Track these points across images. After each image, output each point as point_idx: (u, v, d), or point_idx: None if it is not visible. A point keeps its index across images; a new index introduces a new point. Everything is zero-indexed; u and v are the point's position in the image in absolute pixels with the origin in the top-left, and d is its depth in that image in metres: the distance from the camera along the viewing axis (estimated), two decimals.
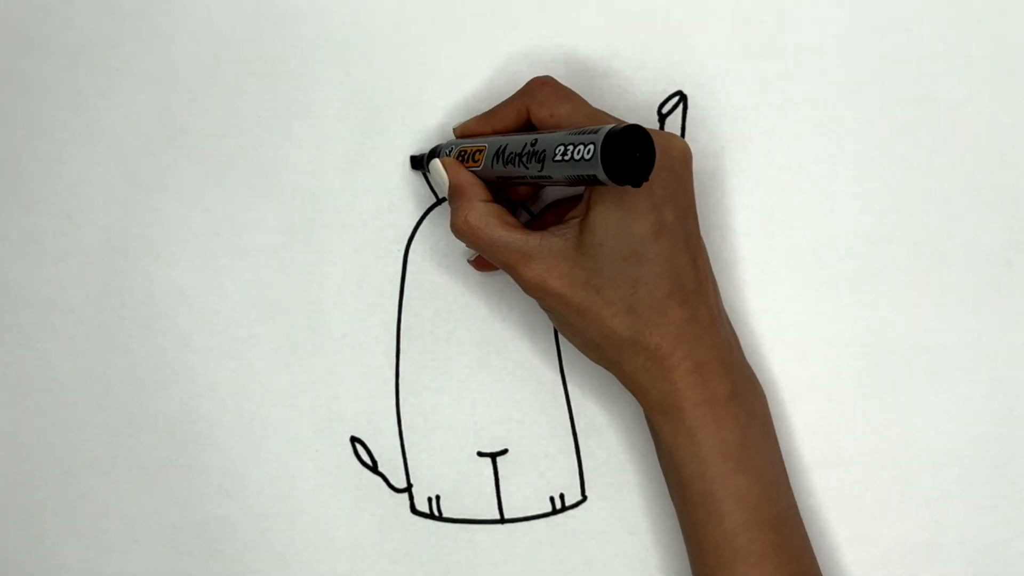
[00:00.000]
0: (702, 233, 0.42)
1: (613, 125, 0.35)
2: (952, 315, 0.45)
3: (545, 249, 0.39)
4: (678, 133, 0.46)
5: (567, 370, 0.47)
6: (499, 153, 0.40)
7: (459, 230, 0.41)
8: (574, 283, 0.39)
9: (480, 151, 0.41)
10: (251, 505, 0.49)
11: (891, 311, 0.46)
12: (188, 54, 0.47)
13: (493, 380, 0.47)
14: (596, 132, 0.35)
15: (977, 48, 0.45)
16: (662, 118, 0.46)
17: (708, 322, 0.40)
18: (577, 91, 0.45)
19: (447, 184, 0.42)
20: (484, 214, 0.40)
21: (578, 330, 0.40)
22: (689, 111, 0.46)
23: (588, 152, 0.34)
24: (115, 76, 0.48)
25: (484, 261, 0.45)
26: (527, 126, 0.42)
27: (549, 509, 0.48)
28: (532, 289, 0.40)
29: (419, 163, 0.46)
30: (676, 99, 0.46)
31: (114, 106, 0.48)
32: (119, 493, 0.49)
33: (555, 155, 0.36)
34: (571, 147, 0.35)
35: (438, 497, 0.48)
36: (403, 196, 0.47)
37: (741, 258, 0.46)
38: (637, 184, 0.34)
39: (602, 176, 0.34)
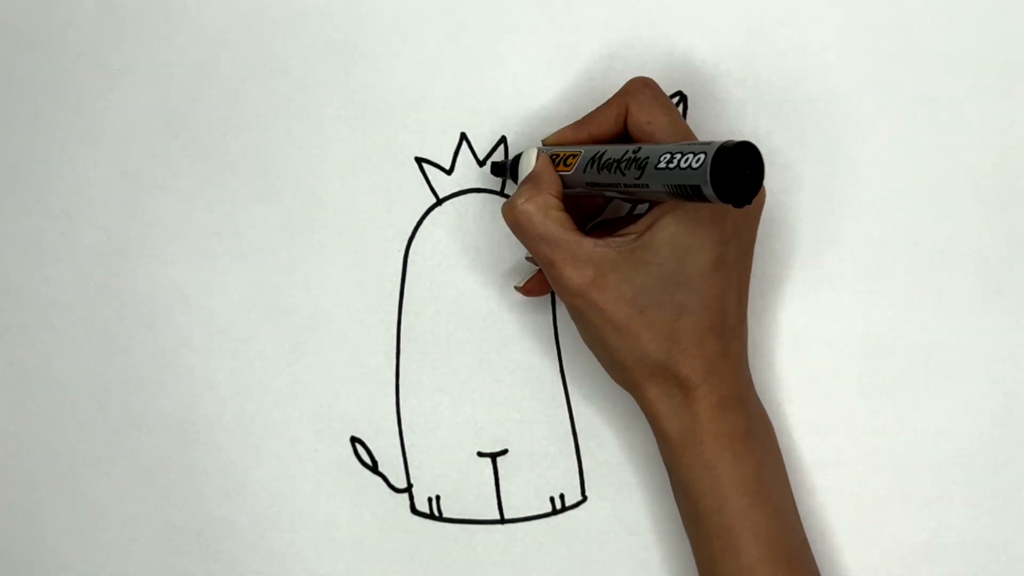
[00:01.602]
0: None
1: (727, 140, 0.33)
2: (952, 315, 0.45)
3: (597, 256, 0.38)
4: None
5: (567, 370, 0.47)
6: (595, 159, 0.39)
7: (513, 212, 0.39)
8: (620, 298, 0.38)
9: (574, 156, 0.40)
10: (251, 505, 0.49)
11: (891, 311, 0.46)
12: (188, 54, 0.47)
13: (493, 380, 0.47)
14: (709, 144, 0.33)
15: (977, 48, 0.45)
16: None
17: (737, 360, 0.40)
18: (577, 91, 0.46)
19: (527, 171, 0.41)
20: (546, 204, 0.39)
21: (609, 347, 0.39)
22: (689, 111, 0.46)
23: (697, 161, 0.33)
24: (115, 76, 0.48)
25: (532, 285, 0.44)
26: (623, 135, 0.41)
27: (549, 509, 0.48)
28: (572, 294, 0.39)
29: (500, 169, 0.45)
30: (676, 99, 0.46)
31: (114, 106, 0.48)
32: (119, 493, 0.49)
33: (659, 162, 0.35)
34: (679, 156, 0.34)
35: (438, 497, 0.48)
36: (403, 196, 0.47)
37: None
38: (739, 204, 0.33)
39: (707, 189, 0.33)
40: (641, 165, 0.36)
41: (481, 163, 0.46)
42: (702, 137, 0.45)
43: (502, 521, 0.48)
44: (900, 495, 0.46)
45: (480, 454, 0.48)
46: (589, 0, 0.45)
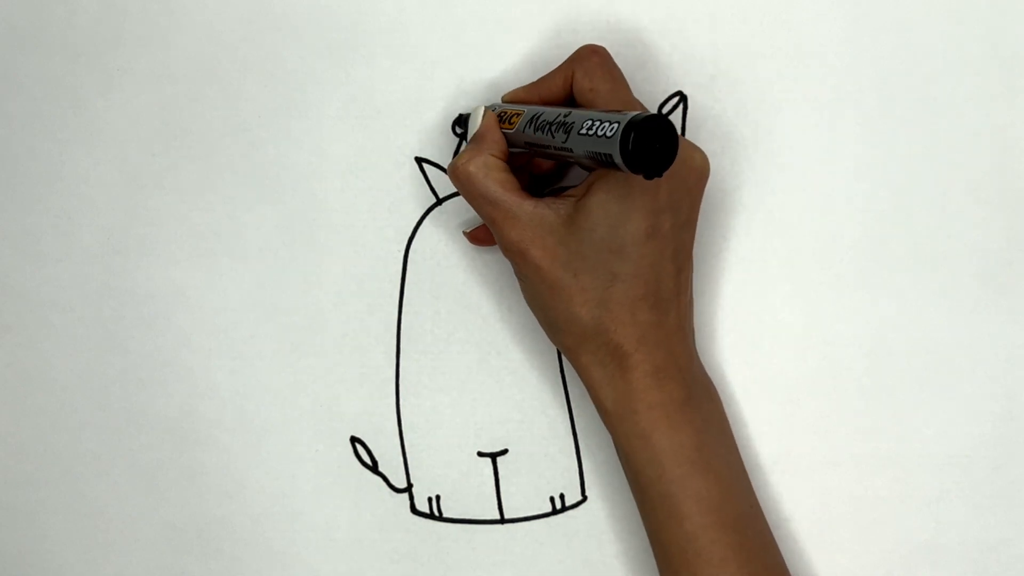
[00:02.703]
0: (698, 240, 0.42)
1: (633, 115, 0.34)
2: (952, 315, 0.45)
3: (536, 217, 0.39)
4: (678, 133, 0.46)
5: (567, 370, 0.47)
6: (533, 119, 0.40)
7: (455, 172, 0.41)
8: (555, 259, 0.39)
9: (518, 115, 0.41)
10: (251, 505, 0.49)
11: (891, 311, 0.46)
12: (188, 54, 0.47)
13: (493, 380, 0.47)
14: (624, 114, 0.34)
15: (977, 48, 0.45)
16: None
17: (674, 329, 0.40)
18: None
19: (474, 130, 0.42)
20: (486, 165, 0.40)
21: (545, 306, 0.40)
22: (689, 111, 0.46)
23: (611, 130, 0.34)
24: (115, 76, 0.48)
25: (478, 234, 0.45)
26: (570, 100, 0.42)
27: (549, 509, 0.48)
28: (511, 252, 0.40)
29: (462, 121, 0.46)
30: (676, 99, 0.46)
31: (114, 106, 0.48)
32: (119, 493, 0.49)
33: (581, 128, 0.36)
34: (597, 123, 0.35)
35: (438, 497, 0.48)
36: (403, 196, 0.47)
37: (741, 258, 0.46)
38: (649, 176, 0.34)
39: (617, 158, 0.34)
40: (567, 129, 0.37)
41: None
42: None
43: (502, 521, 0.48)
44: (900, 495, 0.46)
45: (480, 454, 0.48)
46: (589, 1, 0.45)
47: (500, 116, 0.42)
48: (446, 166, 0.46)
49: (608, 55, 0.41)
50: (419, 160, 0.47)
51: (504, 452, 0.48)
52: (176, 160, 0.48)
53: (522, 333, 0.47)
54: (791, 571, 0.45)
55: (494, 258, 0.47)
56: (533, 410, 0.47)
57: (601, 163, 0.35)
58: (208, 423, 0.48)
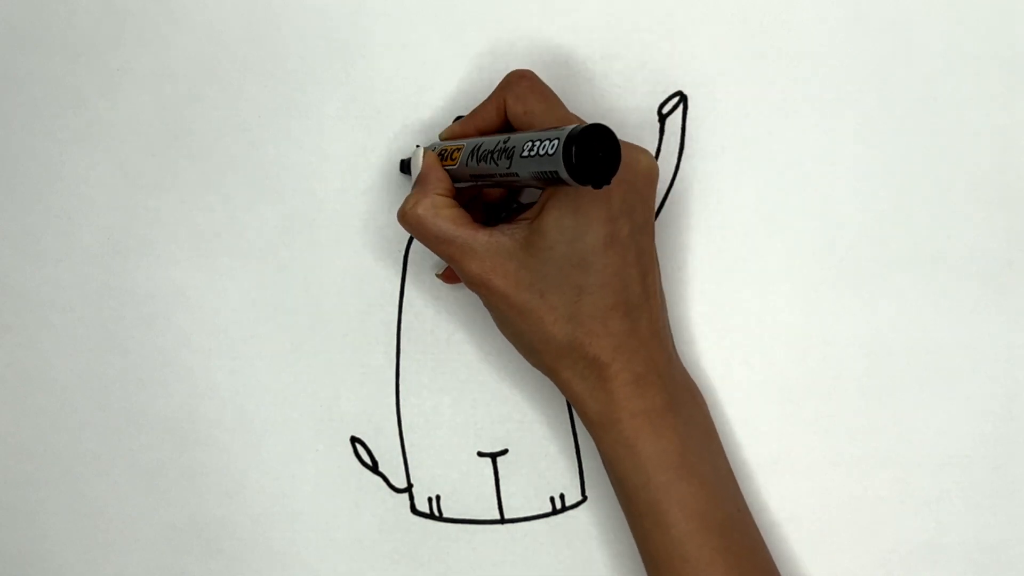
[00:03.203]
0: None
1: (571, 127, 0.34)
2: (952, 315, 0.45)
3: (493, 246, 0.39)
4: (678, 133, 0.46)
5: None
6: (474, 151, 0.39)
7: (404, 218, 0.41)
8: (519, 284, 0.39)
9: (458, 150, 0.41)
10: (251, 505, 0.49)
11: (891, 311, 0.46)
12: (188, 54, 0.47)
13: (493, 380, 0.47)
14: (562, 129, 0.34)
15: (977, 48, 0.45)
16: (662, 118, 0.46)
17: (649, 335, 0.40)
18: (577, 91, 0.46)
19: (415, 173, 0.42)
20: (433, 205, 0.40)
21: (518, 331, 0.40)
22: (689, 111, 0.46)
23: (552, 147, 0.34)
24: (115, 76, 0.48)
25: (451, 273, 0.45)
26: (506, 127, 0.42)
27: (549, 509, 0.48)
28: (475, 285, 0.40)
29: (406, 166, 0.46)
30: (676, 99, 0.46)
31: (114, 106, 0.48)
32: (119, 493, 0.49)
33: (523, 151, 0.36)
34: (537, 143, 0.35)
35: (438, 497, 0.48)
36: (403, 196, 0.47)
37: (741, 258, 0.46)
38: (598, 185, 0.33)
39: (563, 173, 0.33)
40: (509, 155, 0.37)
41: None
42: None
43: (502, 521, 0.48)
44: (900, 495, 0.46)
45: (480, 454, 0.48)
46: (589, 0, 0.45)
47: (441, 154, 0.42)
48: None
49: (536, 77, 0.41)
50: None
51: (504, 452, 0.48)
52: (176, 160, 0.48)
53: None
54: (791, 571, 0.45)
55: None
56: (533, 410, 0.47)
57: (549, 181, 0.35)
58: (208, 423, 0.48)
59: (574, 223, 0.38)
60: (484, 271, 0.39)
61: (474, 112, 0.43)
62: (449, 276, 0.45)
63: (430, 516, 0.48)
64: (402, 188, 0.47)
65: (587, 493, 0.47)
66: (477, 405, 0.47)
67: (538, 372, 0.47)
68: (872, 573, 0.46)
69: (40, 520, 0.50)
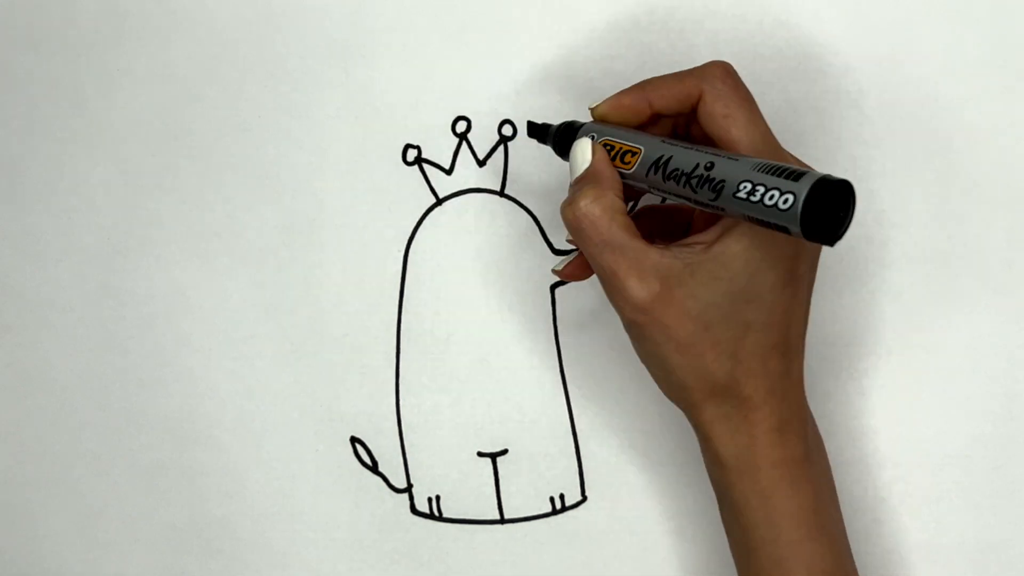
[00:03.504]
0: None
1: (817, 175, 0.30)
2: (952, 315, 0.45)
3: (663, 268, 0.35)
4: None
5: (567, 370, 0.47)
6: (659, 163, 0.35)
7: (577, 213, 0.36)
8: (685, 314, 0.35)
9: (633, 153, 0.36)
10: (251, 505, 0.49)
11: (891, 311, 0.46)
12: (188, 54, 0.47)
13: (493, 380, 0.47)
14: (797, 180, 0.30)
15: (977, 48, 0.45)
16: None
17: (798, 378, 0.38)
18: (577, 91, 0.46)
19: (583, 166, 0.38)
20: (612, 208, 0.36)
21: (670, 365, 0.36)
22: None
23: (785, 202, 0.30)
24: (115, 76, 0.48)
25: (573, 268, 0.41)
26: (687, 115, 0.37)
27: (549, 509, 0.48)
28: (635, 309, 0.35)
29: (539, 131, 0.42)
30: None
31: (114, 106, 0.48)
32: (119, 493, 0.49)
33: (738, 190, 0.32)
34: (761, 189, 0.31)
35: (438, 497, 0.48)
36: (403, 196, 0.47)
37: None
38: (831, 243, 0.30)
39: (795, 230, 0.30)
40: (716, 188, 0.33)
41: (481, 163, 0.46)
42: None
43: (502, 521, 0.48)
44: (900, 495, 0.46)
45: (480, 454, 0.48)
46: (589, 0, 0.45)
47: (607, 148, 0.37)
48: (446, 166, 0.46)
49: (738, 75, 0.37)
50: (419, 160, 0.47)
51: (504, 452, 0.48)
52: (176, 160, 0.48)
53: (522, 333, 0.47)
54: None
55: (494, 258, 0.47)
56: (533, 410, 0.47)
57: (761, 223, 0.31)
58: (208, 423, 0.48)
59: (761, 256, 0.34)
60: (649, 294, 0.35)
61: (653, 85, 0.37)
62: (572, 272, 0.41)
63: (430, 516, 0.48)
64: (402, 188, 0.47)
65: (587, 493, 0.47)
66: (477, 405, 0.47)
67: (538, 372, 0.47)
68: (872, 573, 0.46)
69: (40, 520, 0.50)
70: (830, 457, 0.46)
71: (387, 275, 0.47)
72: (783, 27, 0.45)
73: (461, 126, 0.46)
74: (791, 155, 0.37)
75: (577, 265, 0.40)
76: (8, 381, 0.49)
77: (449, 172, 0.47)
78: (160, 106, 0.47)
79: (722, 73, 0.37)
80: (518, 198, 0.47)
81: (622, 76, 0.45)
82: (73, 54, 0.48)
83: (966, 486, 0.46)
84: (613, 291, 0.36)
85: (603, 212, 0.36)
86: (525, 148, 0.46)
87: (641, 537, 0.47)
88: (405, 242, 0.47)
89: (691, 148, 0.35)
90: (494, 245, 0.47)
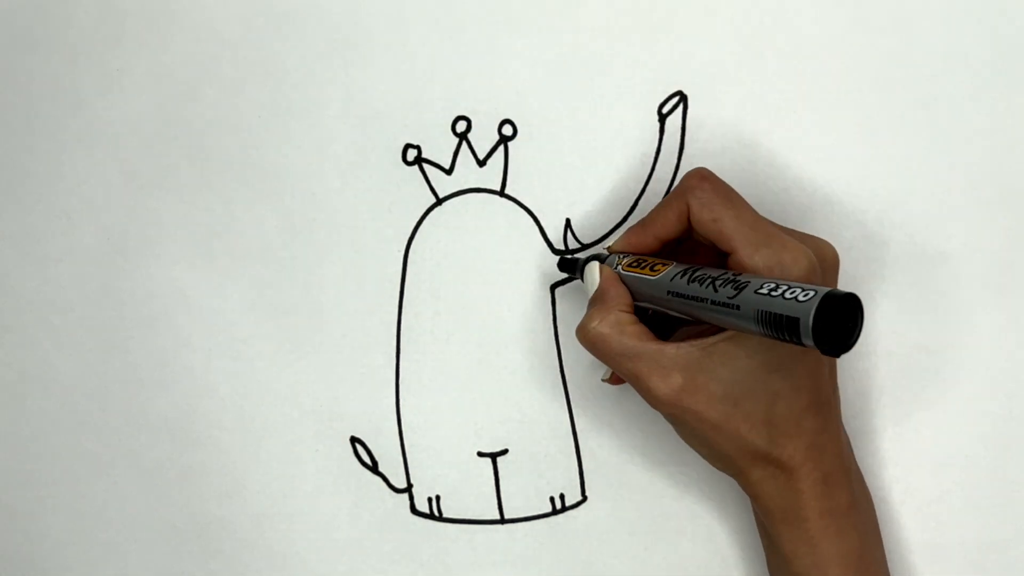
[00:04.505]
0: None
1: (828, 291, 0.32)
2: (952, 315, 0.45)
3: (681, 359, 0.37)
4: (678, 133, 0.46)
5: (567, 370, 0.47)
6: (687, 271, 0.38)
7: (587, 335, 0.40)
8: (711, 398, 0.37)
9: (665, 264, 0.39)
10: (251, 505, 0.49)
11: (891, 311, 0.46)
12: (188, 54, 0.47)
13: (493, 380, 0.47)
14: (806, 302, 0.32)
15: (977, 48, 0.45)
16: (662, 118, 0.46)
17: (835, 430, 0.40)
18: (577, 92, 0.46)
19: (592, 288, 0.41)
20: (618, 322, 0.39)
21: (710, 443, 0.39)
22: (689, 111, 0.46)
23: (805, 296, 0.32)
24: (115, 76, 0.48)
25: (614, 377, 0.43)
26: (687, 233, 0.40)
27: (549, 509, 0.48)
28: (663, 404, 0.38)
29: (569, 266, 0.45)
30: (676, 99, 0.46)
31: (114, 106, 0.48)
32: (119, 493, 0.49)
33: (760, 287, 0.34)
34: (785, 287, 0.33)
35: (438, 497, 0.48)
36: (403, 196, 0.47)
37: None
38: (838, 354, 0.32)
39: (806, 320, 0.31)
40: (739, 287, 0.35)
41: (481, 163, 0.46)
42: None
43: (502, 521, 0.48)
44: (900, 495, 0.46)
45: (480, 454, 0.48)
46: (589, 1, 0.45)
47: (639, 263, 0.40)
48: (446, 166, 0.46)
49: (716, 178, 0.40)
50: (419, 160, 0.47)
51: (504, 452, 0.48)
52: (176, 160, 0.48)
53: (522, 333, 0.47)
54: None
55: (494, 258, 0.47)
56: (533, 410, 0.47)
57: (771, 327, 0.33)
58: (208, 423, 0.48)
59: None
60: (673, 388, 0.37)
61: (651, 219, 0.41)
62: (617, 379, 0.44)
63: (430, 516, 0.48)
64: (402, 188, 0.47)
65: (587, 493, 0.47)
66: (477, 405, 0.47)
67: (538, 372, 0.47)
68: None
69: (40, 520, 0.50)
70: None
71: (387, 275, 0.47)
72: (783, 27, 0.45)
73: (461, 126, 0.46)
74: (786, 231, 0.39)
75: (616, 375, 0.43)
76: (8, 381, 0.49)
77: (449, 172, 0.47)
78: (160, 106, 0.47)
79: (699, 180, 0.39)
80: (518, 198, 0.47)
81: (622, 77, 0.45)
82: (72, 54, 0.48)
83: (966, 486, 0.46)
84: (642, 392, 0.39)
85: (611, 329, 0.39)
86: (525, 148, 0.46)
87: (641, 537, 0.47)
88: (405, 242, 0.47)
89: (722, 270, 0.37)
90: (494, 245, 0.47)
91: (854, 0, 0.45)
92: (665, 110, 0.46)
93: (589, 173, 0.46)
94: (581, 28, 0.45)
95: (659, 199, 0.45)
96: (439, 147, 0.46)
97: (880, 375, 0.46)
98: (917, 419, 0.46)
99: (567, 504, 0.47)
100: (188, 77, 0.47)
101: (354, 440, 0.48)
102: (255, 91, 0.47)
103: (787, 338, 0.32)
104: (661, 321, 0.43)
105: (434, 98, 0.46)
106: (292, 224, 0.47)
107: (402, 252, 0.47)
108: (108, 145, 0.48)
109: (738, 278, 0.35)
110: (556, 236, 0.47)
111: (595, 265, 0.42)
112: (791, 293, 0.32)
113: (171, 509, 0.49)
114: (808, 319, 0.31)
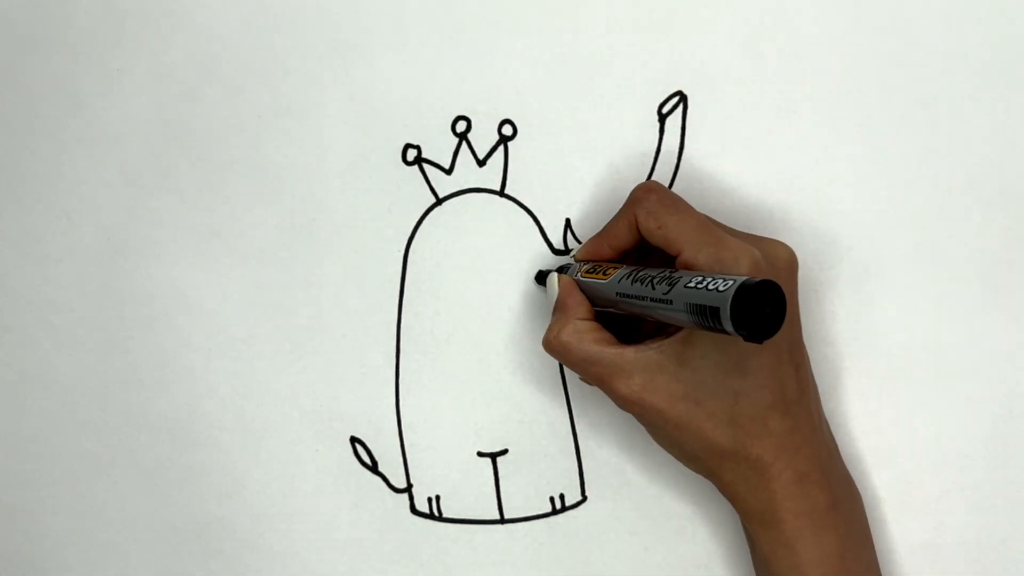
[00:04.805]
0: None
1: (745, 279, 0.33)
2: (952, 315, 0.45)
3: (642, 362, 0.39)
4: (678, 133, 0.46)
5: (567, 370, 0.47)
6: (632, 273, 0.39)
7: (550, 345, 0.41)
8: (672, 397, 0.38)
9: (615, 268, 0.41)
10: (251, 505, 0.49)
11: (891, 311, 0.46)
12: (188, 54, 0.47)
13: (493, 380, 0.47)
14: (727, 286, 0.33)
15: (977, 48, 0.45)
16: (662, 118, 0.46)
17: (809, 431, 0.40)
18: (577, 91, 0.46)
19: (552, 298, 0.43)
20: (577, 330, 0.40)
21: (677, 442, 0.40)
22: (689, 111, 0.46)
23: (724, 285, 0.33)
24: (115, 76, 0.48)
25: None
26: (640, 242, 0.41)
27: (549, 509, 0.48)
28: (628, 404, 0.39)
29: (542, 279, 0.46)
30: (676, 99, 0.46)
31: (114, 106, 0.48)
32: (119, 493, 0.49)
33: (689, 282, 0.35)
34: (709, 279, 0.34)
35: (438, 497, 0.48)
36: (403, 196, 0.47)
37: None
38: (760, 340, 0.32)
39: (724, 313, 0.32)
40: (672, 282, 0.36)
41: (481, 163, 0.46)
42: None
43: (502, 521, 0.48)
44: (900, 495, 0.46)
45: (480, 454, 0.48)
46: (589, 0, 0.45)
47: (595, 268, 0.42)
48: (446, 166, 0.47)
49: (663, 189, 0.41)
50: (419, 160, 0.47)
51: (504, 452, 0.48)
52: (176, 160, 0.48)
53: (522, 333, 0.47)
54: None
55: (494, 258, 0.47)
56: (533, 410, 0.47)
57: (700, 319, 0.34)
58: (208, 423, 0.48)
59: None
60: (634, 390, 0.39)
61: (605, 231, 0.42)
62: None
63: (430, 516, 0.48)
64: (402, 188, 0.47)
65: (587, 493, 0.47)
66: (477, 405, 0.47)
67: (538, 372, 0.47)
68: None
69: (40, 520, 0.50)
70: None
71: (387, 275, 0.47)
72: (783, 27, 0.45)
73: (461, 126, 0.46)
74: (736, 234, 0.40)
75: None
76: (8, 381, 0.49)
77: (449, 172, 0.47)
78: (160, 106, 0.47)
79: (645, 192, 0.41)
80: (518, 198, 0.47)
81: (622, 77, 0.45)
82: (73, 54, 0.48)
83: (966, 486, 0.46)
84: (608, 394, 0.40)
85: (570, 336, 0.40)
86: (525, 148, 0.46)
87: (641, 537, 0.47)
88: (405, 242, 0.47)
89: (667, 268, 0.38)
90: (494, 245, 0.47)
91: (854, 0, 0.45)
92: (665, 110, 0.46)
93: (589, 173, 0.46)
94: (581, 28, 0.45)
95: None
96: (439, 147, 0.46)
97: (880, 375, 0.46)
98: (917, 419, 0.46)
99: (567, 504, 0.47)
100: (188, 77, 0.47)
101: (354, 440, 0.48)
102: (255, 91, 0.47)
103: (712, 326, 0.33)
104: (634, 324, 0.43)
105: (434, 98, 0.46)
106: (292, 224, 0.47)
107: (402, 252, 0.47)
108: (108, 145, 0.48)
109: (672, 275, 0.36)
110: (556, 236, 0.47)
111: (554, 276, 0.43)
112: (713, 284, 0.33)
113: (171, 509, 0.49)
114: (726, 306, 0.32)
